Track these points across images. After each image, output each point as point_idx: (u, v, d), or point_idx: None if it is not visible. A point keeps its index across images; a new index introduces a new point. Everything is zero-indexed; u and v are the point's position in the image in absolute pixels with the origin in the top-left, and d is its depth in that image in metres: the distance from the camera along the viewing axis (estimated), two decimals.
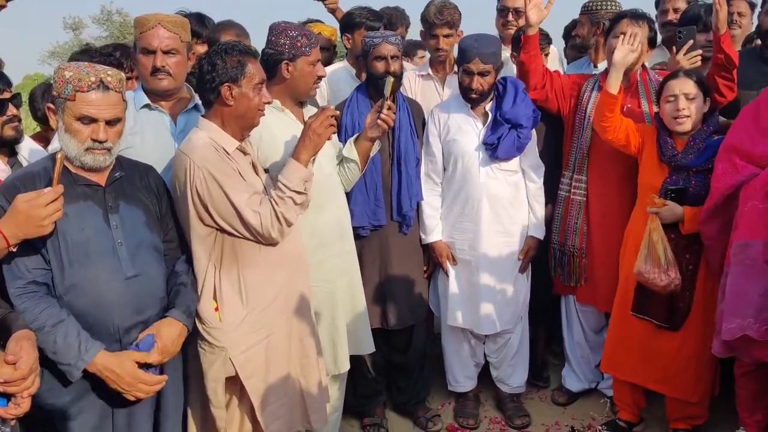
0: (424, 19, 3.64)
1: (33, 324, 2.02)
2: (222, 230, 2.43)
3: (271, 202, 2.43)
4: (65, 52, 26.97)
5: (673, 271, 2.94)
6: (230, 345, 2.44)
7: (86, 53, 3.49)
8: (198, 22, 3.70)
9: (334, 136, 3.09)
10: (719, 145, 2.92)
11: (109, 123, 2.14)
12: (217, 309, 2.45)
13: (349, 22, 3.85)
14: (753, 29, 3.94)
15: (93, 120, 2.11)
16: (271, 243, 2.49)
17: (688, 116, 2.99)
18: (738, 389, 3.01)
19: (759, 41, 3.65)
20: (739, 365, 2.93)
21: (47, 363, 2.06)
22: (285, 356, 2.58)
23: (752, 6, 4.00)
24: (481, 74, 3.22)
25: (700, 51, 3.36)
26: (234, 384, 2.52)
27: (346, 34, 3.88)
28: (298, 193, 2.46)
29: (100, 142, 2.13)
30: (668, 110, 3.04)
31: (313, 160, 2.62)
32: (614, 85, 3.10)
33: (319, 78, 2.87)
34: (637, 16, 3.27)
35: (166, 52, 2.64)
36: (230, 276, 2.47)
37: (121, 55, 3.43)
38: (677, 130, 3.03)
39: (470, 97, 3.29)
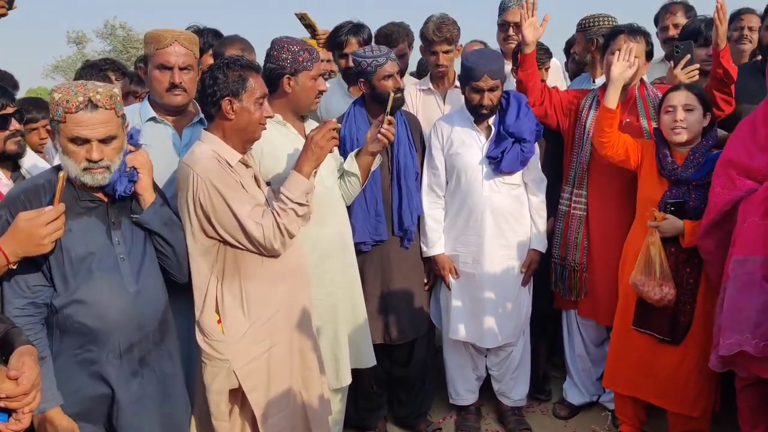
0: (423, 36, 3.66)
1: None
2: (225, 242, 2.45)
3: (273, 213, 2.45)
4: (68, 66, 27.12)
5: (668, 286, 2.95)
6: (234, 357, 2.45)
7: (94, 66, 3.52)
8: (215, 35, 3.80)
9: (336, 150, 3.12)
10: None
11: (103, 141, 2.12)
12: (219, 322, 2.46)
13: (338, 42, 3.84)
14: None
15: (86, 140, 2.10)
16: (274, 255, 2.50)
17: (685, 128, 3.01)
18: (739, 403, 3.00)
19: (760, 56, 3.66)
20: (739, 379, 2.93)
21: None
22: (287, 369, 2.59)
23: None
24: (491, 90, 3.25)
25: (697, 65, 3.38)
26: (235, 395, 2.53)
27: (337, 52, 3.89)
28: (300, 204, 2.48)
29: (96, 162, 2.12)
30: (666, 121, 3.06)
31: (315, 173, 2.64)
32: (612, 100, 3.12)
33: (321, 92, 2.89)
34: (633, 31, 3.29)
35: (182, 69, 2.68)
36: (232, 288, 2.48)
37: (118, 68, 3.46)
38: (674, 140, 3.05)
39: (481, 113, 3.31)
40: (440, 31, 3.57)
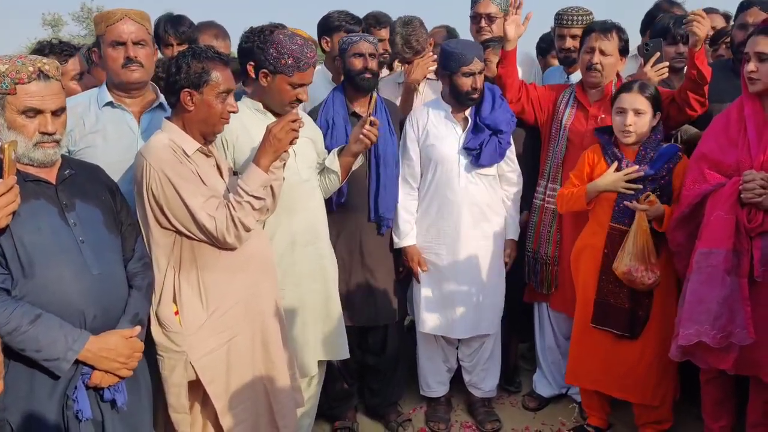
0: (394, 50, 3.64)
1: (6, 326, 1.93)
2: (179, 233, 2.41)
3: (228, 206, 2.41)
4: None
5: (658, 269, 2.97)
6: (190, 349, 2.41)
7: (38, 52, 3.44)
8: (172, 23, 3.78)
9: (320, 143, 3.10)
10: (671, 152, 3.01)
11: (54, 113, 2.07)
12: (177, 313, 2.43)
13: (328, 25, 3.86)
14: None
15: (38, 112, 2.03)
16: (228, 248, 2.46)
17: (634, 131, 3.04)
18: (703, 396, 3.06)
19: (727, 52, 3.71)
20: (703, 372, 2.98)
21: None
22: (248, 360, 2.55)
23: (727, 19, 4.06)
24: (480, 72, 3.28)
25: (666, 63, 3.40)
26: (197, 388, 2.49)
27: (324, 37, 3.88)
28: (257, 198, 2.44)
29: (50, 134, 2.05)
30: (617, 123, 3.08)
31: (284, 165, 2.61)
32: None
33: (298, 101, 2.82)
34: (605, 28, 3.31)
35: (136, 43, 2.62)
36: (190, 279, 2.44)
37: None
38: (622, 141, 3.09)
39: (472, 98, 3.31)
40: (410, 46, 3.55)
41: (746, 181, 2.58)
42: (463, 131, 3.38)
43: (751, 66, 2.65)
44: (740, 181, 2.60)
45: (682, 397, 3.31)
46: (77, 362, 2.07)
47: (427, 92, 3.81)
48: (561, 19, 3.83)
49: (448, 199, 3.39)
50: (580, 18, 3.77)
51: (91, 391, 2.14)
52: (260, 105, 2.84)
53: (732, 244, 2.58)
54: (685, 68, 3.24)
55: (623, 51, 3.37)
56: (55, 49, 3.35)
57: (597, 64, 3.29)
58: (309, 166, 2.98)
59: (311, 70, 2.78)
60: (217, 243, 2.43)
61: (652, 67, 3.39)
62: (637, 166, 3.03)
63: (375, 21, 4.00)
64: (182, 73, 2.38)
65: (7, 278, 2.00)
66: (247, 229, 2.45)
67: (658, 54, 3.39)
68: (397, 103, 3.74)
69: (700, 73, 3.09)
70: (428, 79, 3.71)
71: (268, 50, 2.74)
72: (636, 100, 3.03)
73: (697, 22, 3.01)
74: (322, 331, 3.05)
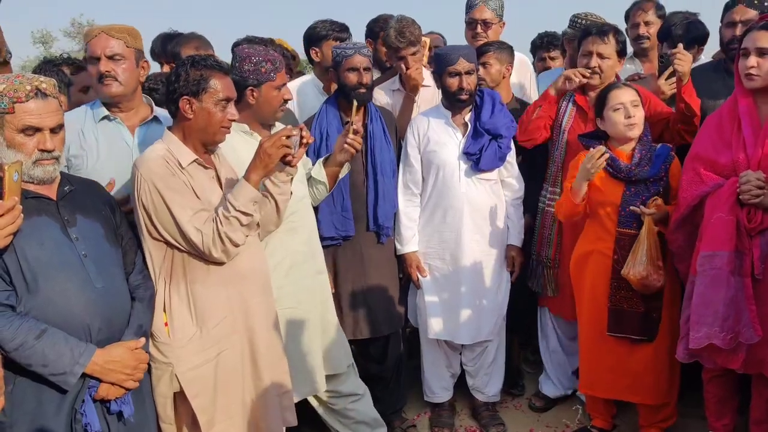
0: (387, 43, 3.62)
1: (13, 342, 1.95)
2: (170, 245, 2.41)
3: (216, 221, 2.38)
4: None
5: (663, 269, 2.97)
6: (177, 361, 2.40)
7: (49, 62, 3.46)
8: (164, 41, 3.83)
9: (305, 156, 3.08)
10: (666, 152, 3.02)
11: (53, 131, 2.09)
12: (167, 324, 2.42)
13: (315, 36, 3.87)
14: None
15: (37, 130, 2.05)
16: (216, 262, 2.45)
17: (637, 123, 3.05)
18: (706, 395, 3.06)
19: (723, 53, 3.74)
20: (706, 371, 2.99)
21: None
22: (237, 376, 2.53)
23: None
24: (468, 73, 3.27)
25: None
26: (186, 400, 2.47)
27: (313, 48, 3.89)
28: (245, 213, 2.40)
29: (49, 152, 2.08)
30: (619, 119, 3.05)
31: (291, 179, 2.59)
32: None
33: (285, 101, 2.84)
34: (602, 32, 3.33)
35: (110, 57, 2.62)
36: (180, 291, 2.43)
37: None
38: (629, 136, 3.07)
39: (460, 99, 3.31)
40: (403, 36, 3.52)
41: (742, 182, 2.57)
42: (463, 136, 3.39)
43: (751, 61, 2.61)
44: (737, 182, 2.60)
45: (684, 397, 3.32)
46: (84, 375, 2.08)
47: (422, 98, 3.81)
48: (578, 23, 3.89)
49: (449, 204, 3.40)
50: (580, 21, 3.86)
51: (98, 403, 2.15)
52: (246, 127, 2.82)
53: (734, 245, 2.57)
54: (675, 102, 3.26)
55: (621, 53, 3.40)
56: (68, 62, 3.38)
57: (596, 67, 3.31)
58: (300, 181, 2.97)
59: (284, 68, 2.83)
60: (204, 257, 2.41)
61: (666, 80, 3.42)
62: (602, 146, 3.02)
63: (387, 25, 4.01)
64: (181, 80, 2.38)
65: (11, 294, 2.01)
66: (235, 245, 2.42)
67: (672, 69, 3.40)
68: (394, 109, 3.75)
69: (687, 106, 3.13)
70: (424, 86, 3.72)
71: (243, 67, 2.74)
72: (631, 94, 3.05)
73: (678, 59, 3.09)
74: (324, 347, 3.03)
